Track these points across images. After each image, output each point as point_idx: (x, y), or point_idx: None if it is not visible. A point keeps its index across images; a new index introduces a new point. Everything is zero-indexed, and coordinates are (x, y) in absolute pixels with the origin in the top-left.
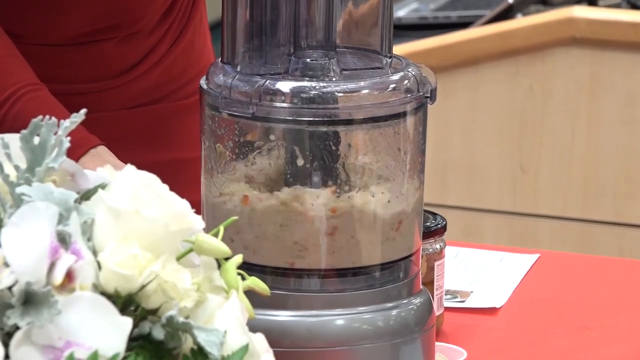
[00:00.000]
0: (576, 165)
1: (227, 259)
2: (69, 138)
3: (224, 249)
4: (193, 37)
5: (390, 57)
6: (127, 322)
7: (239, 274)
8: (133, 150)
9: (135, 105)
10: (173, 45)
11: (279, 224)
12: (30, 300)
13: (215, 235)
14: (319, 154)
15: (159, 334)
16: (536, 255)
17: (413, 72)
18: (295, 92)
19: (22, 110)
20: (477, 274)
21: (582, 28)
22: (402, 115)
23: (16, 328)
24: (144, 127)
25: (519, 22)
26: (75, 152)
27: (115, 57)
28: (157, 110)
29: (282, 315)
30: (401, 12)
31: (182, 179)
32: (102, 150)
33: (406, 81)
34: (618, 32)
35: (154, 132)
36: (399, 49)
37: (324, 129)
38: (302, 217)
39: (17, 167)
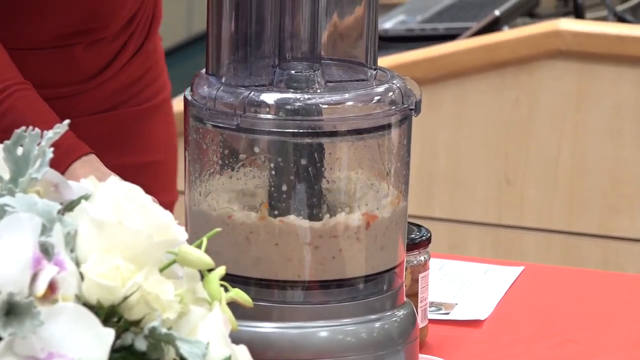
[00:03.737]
0: (562, 178)
1: (210, 270)
2: (52, 149)
3: (207, 260)
4: (150, 46)
5: (375, 69)
6: (109, 333)
7: (222, 285)
8: (99, 156)
9: (98, 111)
10: (137, 52)
11: (262, 235)
12: (13, 311)
13: (199, 246)
14: (303, 165)
15: (141, 345)
16: (521, 268)
17: (398, 85)
18: (279, 104)
19: (12, 106)
20: (461, 286)
21: (568, 41)
22: (387, 127)
23: None
24: (107, 132)
25: (506, 34)
26: (69, 157)
27: (84, 61)
28: (118, 116)
29: (266, 327)
30: (388, 24)
31: (146, 182)
32: (93, 158)
33: (391, 93)
34: (604, 44)
35: (117, 137)
36: (386, 60)
37: (308, 140)
38: (285, 229)
39: (0, 178)
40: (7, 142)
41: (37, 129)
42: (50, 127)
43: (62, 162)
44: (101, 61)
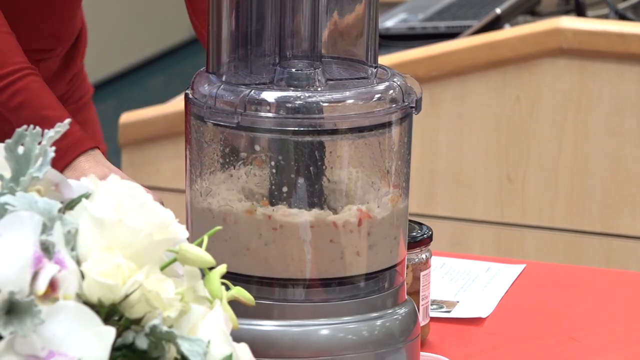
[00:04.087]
0: (563, 176)
1: (210, 268)
2: (53, 148)
3: (208, 258)
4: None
5: (375, 67)
6: (110, 332)
7: (223, 283)
8: None
9: None
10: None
11: (264, 234)
12: (14, 309)
13: (199, 245)
14: (303, 163)
15: (142, 343)
16: (522, 266)
17: (398, 82)
18: (280, 102)
19: (24, 87)
20: (463, 284)
21: (569, 39)
22: (387, 125)
23: None
24: None
25: (507, 32)
26: (76, 150)
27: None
28: None
29: (267, 325)
30: (389, 23)
31: None
32: (98, 152)
33: (391, 91)
34: (605, 42)
35: None
36: (387, 59)
37: (308, 138)
38: (286, 228)
39: (1, 177)
40: (8, 140)
41: (37, 128)
42: (55, 113)
43: (69, 153)
44: (49, 73)
